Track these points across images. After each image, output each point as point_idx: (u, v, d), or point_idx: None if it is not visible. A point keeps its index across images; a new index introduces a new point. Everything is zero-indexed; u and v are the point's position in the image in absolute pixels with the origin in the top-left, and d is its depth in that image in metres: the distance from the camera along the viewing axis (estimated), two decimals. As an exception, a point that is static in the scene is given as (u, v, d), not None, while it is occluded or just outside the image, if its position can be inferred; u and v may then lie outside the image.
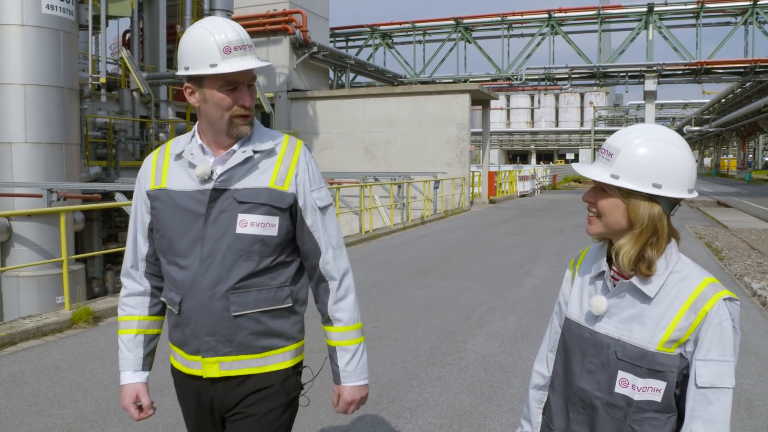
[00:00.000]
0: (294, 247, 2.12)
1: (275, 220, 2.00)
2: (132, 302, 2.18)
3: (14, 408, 4.68)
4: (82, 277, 13.47)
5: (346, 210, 17.59)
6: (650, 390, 1.64)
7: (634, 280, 1.67)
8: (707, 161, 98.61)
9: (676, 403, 1.66)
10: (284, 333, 2.07)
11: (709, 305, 1.60)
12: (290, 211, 2.05)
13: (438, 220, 19.61)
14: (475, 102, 25.71)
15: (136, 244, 2.16)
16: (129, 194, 12.12)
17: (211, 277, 1.96)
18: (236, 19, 22.04)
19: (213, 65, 1.89)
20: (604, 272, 1.76)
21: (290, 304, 2.07)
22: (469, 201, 24.89)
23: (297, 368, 2.14)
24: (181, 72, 1.97)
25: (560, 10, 33.17)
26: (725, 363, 1.59)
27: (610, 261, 1.77)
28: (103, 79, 14.99)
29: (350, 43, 37.89)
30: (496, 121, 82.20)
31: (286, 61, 26.13)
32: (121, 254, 16.65)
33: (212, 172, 1.98)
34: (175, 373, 2.16)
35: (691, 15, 31.28)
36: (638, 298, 1.68)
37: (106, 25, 15.11)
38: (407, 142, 24.62)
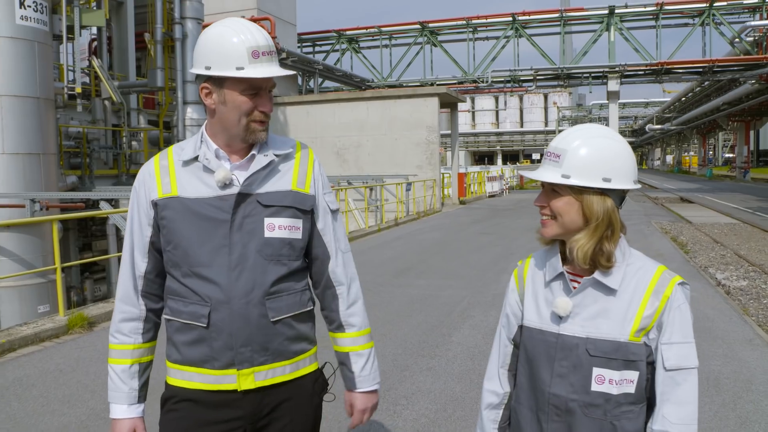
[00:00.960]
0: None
1: (300, 223, 1.99)
2: (126, 329, 2.03)
3: (27, 409, 4.88)
4: (62, 285, 13.53)
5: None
6: (626, 382, 1.67)
7: (597, 275, 1.70)
8: (669, 159, 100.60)
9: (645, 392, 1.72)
10: (308, 336, 2.06)
11: (668, 291, 1.68)
12: (311, 214, 2.04)
13: (411, 222, 19.98)
14: (443, 105, 26.14)
15: (133, 262, 2.02)
16: (110, 201, 12.26)
17: (244, 284, 1.89)
18: (204, 27, 22.18)
19: (240, 68, 1.84)
20: (562, 273, 1.77)
21: (311, 308, 2.07)
22: (440, 202, 25.30)
23: (320, 371, 2.14)
24: (199, 71, 1.90)
25: (524, 13, 33.84)
26: (688, 344, 1.67)
27: (563, 262, 1.79)
28: (79, 89, 15.07)
29: (317, 48, 38.13)
30: (462, 122, 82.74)
31: (256, 68, 26.26)
32: (98, 263, 16.61)
33: (232, 178, 1.93)
34: (185, 394, 1.97)
35: (651, 17, 32.18)
36: (602, 292, 1.71)
37: (80, 35, 15.17)
38: (378, 145, 24.94)
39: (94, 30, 21.01)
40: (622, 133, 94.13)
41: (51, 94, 13.33)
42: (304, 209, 2.00)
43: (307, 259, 2.09)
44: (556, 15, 33.34)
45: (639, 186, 1.74)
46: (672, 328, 1.66)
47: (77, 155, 17.73)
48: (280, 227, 1.94)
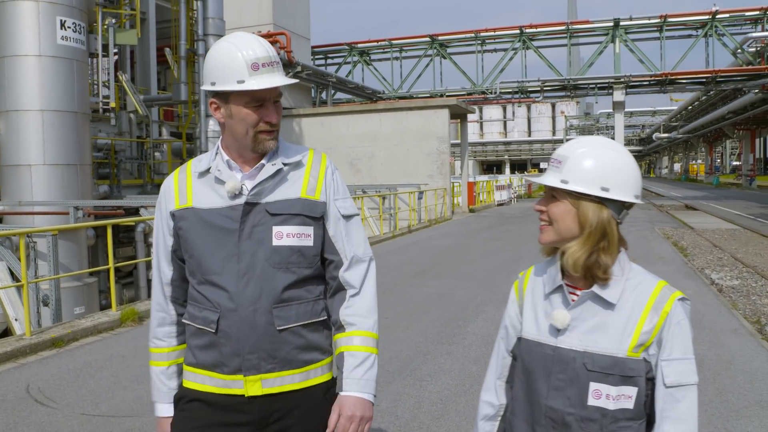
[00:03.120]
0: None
1: (310, 230, 2.00)
2: (161, 333, 2.14)
3: (102, 385, 5.67)
4: (95, 289, 14.37)
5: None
6: (623, 398, 1.66)
7: (595, 288, 1.69)
8: (677, 167, 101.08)
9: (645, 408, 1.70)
10: (321, 346, 2.05)
11: (668, 306, 1.66)
12: (323, 220, 2.06)
13: (423, 229, 20.76)
14: (453, 116, 26.94)
15: (160, 270, 2.13)
16: (146, 208, 13.09)
17: (252, 292, 1.93)
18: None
19: (240, 81, 1.89)
20: (561, 286, 1.77)
21: (325, 317, 2.06)
22: (451, 210, 26.07)
23: (333, 381, 2.12)
24: (206, 87, 1.97)
25: (531, 26, 34.70)
26: (688, 360, 1.65)
27: (563, 274, 1.79)
28: (113, 104, 15.96)
29: (329, 61, 39.05)
30: (470, 132, 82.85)
31: (271, 81, 27.15)
32: (121, 269, 17.42)
33: (242, 187, 1.97)
34: (196, 395, 2.03)
35: (655, 29, 32.96)
36: (601, 306, 1.69)
37: (114, 54, 16.08)
38: (390, 155, 25.76)
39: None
40: (630, 141, 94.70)
41: (87, 108, 14.22)
42: (314, 216, 2.02)
43: (323, 265, 2.11)
44: (563, 27, 34.17)
45: (641, 201, 1.73)
46: (672, 344, 1.65)
47: (106, 166, 18.63)
48: (288, 235, 1.97)
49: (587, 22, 34.09)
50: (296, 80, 2.21)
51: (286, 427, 1.98)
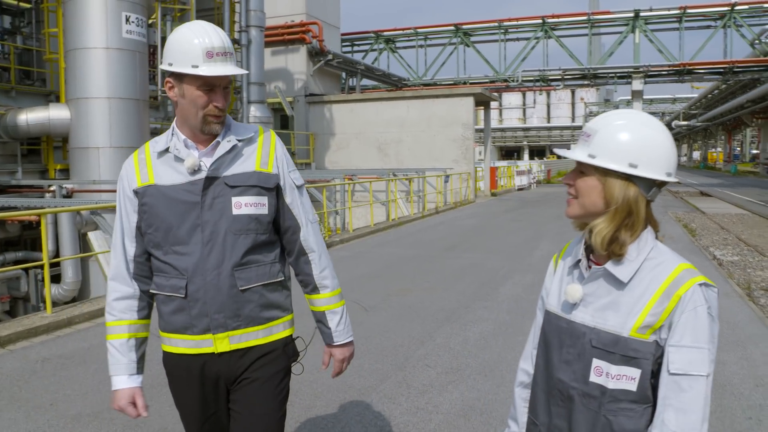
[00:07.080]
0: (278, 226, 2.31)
1: (265, 200, 2.19)
2: (121, 306, 2.24)
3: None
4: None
5: (376, 201, 19.89)
6: (624, 378, 1.62)
7: (608, 265, 1.66)
8: (696, 155, 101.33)
9: (653, 394, 1.63)
10: (281, 305, 2.27)
11: (683, 290, 1.57)
12: (276, 191, 2.24)
13: (449, 210, 22.11)
14: (477, 103, 28.12)
15: (123, 247, 2.24)
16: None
17: (216, 257, 2.11)
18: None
19: (195, 66, 2.02)
20: (579, 260, 1.76)
21: (282, 278, 2.27)
22: (474, 194, 27.35)
23: (292, 336, 2.35)
24: (164, 66, 2.09)
25: (553, 16, 35.66)
26: (699, 350, 1.55)
27: (589, 250, 1.75)
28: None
29: (356, 48, 40.26)
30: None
31: (304, 68, 28.50)
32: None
33: (200, 164, 2.13)
34: (174, 358, 2.24)
35: (675, 19, 33.82)
36: (613, 285, 1.66)
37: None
38: (416, 141, 27.07)
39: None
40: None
41: (147, 96, 15.61)
42: (267, 187, 2.20)
43: (279, 232, 2.31)
44: (584, 18, 35.12)
45: (675, 180, 1.66)
46: (683, 330, 1.56)
47: (155, 148, 20.07)
48: (246, 204, 2.15)
49: (608, 12, 35.01)
50: (246, 71, 2.64)
51: (251, 377, 2.21)
